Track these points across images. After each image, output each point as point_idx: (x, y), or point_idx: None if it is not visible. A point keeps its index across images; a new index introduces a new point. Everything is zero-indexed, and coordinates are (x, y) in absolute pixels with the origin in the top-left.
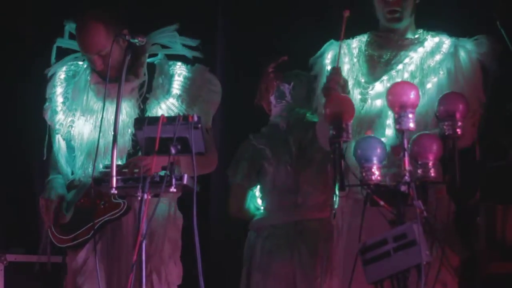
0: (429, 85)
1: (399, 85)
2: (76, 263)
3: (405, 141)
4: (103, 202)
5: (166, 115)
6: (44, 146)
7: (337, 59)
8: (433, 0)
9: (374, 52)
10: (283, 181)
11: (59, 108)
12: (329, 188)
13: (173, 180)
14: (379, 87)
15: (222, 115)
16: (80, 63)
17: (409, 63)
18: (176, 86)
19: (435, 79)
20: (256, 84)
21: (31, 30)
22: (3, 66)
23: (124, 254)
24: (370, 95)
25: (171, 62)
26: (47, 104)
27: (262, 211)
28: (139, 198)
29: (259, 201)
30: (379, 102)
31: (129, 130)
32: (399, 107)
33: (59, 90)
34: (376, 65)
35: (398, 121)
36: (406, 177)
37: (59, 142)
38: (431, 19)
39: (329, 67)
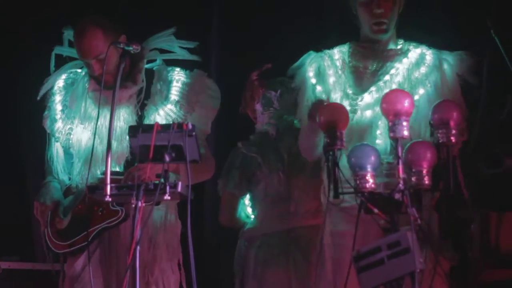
0: (416, 97)
1: (393, 93)
2: (74, 270)
3: (399, 149)
4: (101, 209)
5: (164, 121)
6: (46, 155)
7: (322, 75)
8: (413, 11)
9: (359, 63)
10: (276, 189)
11: (58, 116)
12: (320, 195)
13: (167, 188)
14: (368, 98)
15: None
16: (79, 70)
17: (396, 74)
18: (175, 92)
19: (423, 91)
20: (240, 92)
21: (30, 32)
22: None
23: (122, 261)
24: (359, 106)
25: (169, 68)
26: (46, 112)
27: (252, 220)
28: (133, 205)
29: (249, 210)
30: (369, 113)
31: (127, 137)
32: (393, 115)
33: (58, 98)
34: (363, 76)
35: (392, 129)
36: (400, 185)
37: (57, 150)
38: (408, 29)
39: (313, 80)
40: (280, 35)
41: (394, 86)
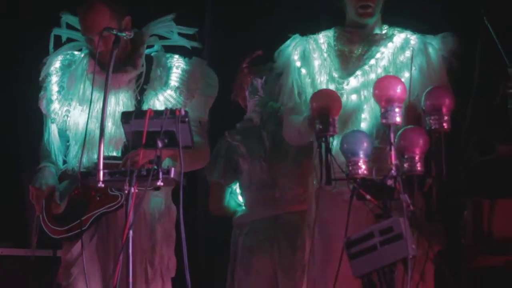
0: (402, 80)
1: (385, 79)
2: (71, 255)
3: (392, 135)
4: (99, 194)
5: (163, 106)
6: (42, 138)
7: (307, 58)
8: None
9: (345, 47)
10: (259, 177)
11: (54, 97)
12: (306, 180)
13: (160, 174)
14: (354, 82)
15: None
16: (77, 53)
17: (381, 58)
18: (174, 78)
19: (407, 75)
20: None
21: (28, 19)
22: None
23: (119, 247)
24: (345, 90)
25: (168, 55)
26: (42, 93)
27: (243, 207)
28: (126, 191)
29: (240, 198)
30: (354, 97)
31: None
32: (385, 101)
33: (54, 79)
34: (348, 60)
35: (384, 115)
36: (393, 171)
37: (53, 131)
38: (394, 15)
39: (298, 63)
40: (272, 21)
41: (379, 70)
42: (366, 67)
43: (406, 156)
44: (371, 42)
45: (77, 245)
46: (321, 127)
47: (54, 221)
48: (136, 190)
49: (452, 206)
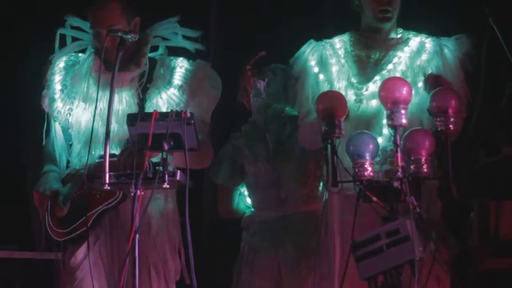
0: (420, 84)
1: (390, 81)
2: (75, 259)
3: (398, 137)
4: (99, 192)
5: (166, 105)
6: (43, 134)
7: (325, 64)
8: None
9: (362, 53)
10: (264, 178)
11: (57, 96)
12: (311, 180)
13: (166, 176)
14: (373, 87)
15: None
16: (81, 55)
17: (399, 63)
18: (178, 77)
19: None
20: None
21: (29, 20)
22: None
23: (124, 244)
24: (365, 96)
25: (172, 57)
26: (45, 91)
27: (252, 209)
28: (132, 194)
29: (248, 200)
30: (374, 102)
31: None
32: (391, 103)
33: (57, 78)
34: (366, 65)
35: (390, 117)
36: (399, 173)
37: (57, 130)
38: (410, 19)
39: (316, 69)
40: (278, 22)
41: (397, 75)
42: (385, 72)
43: (412, 158)
44: (387, 46)
45: (81, 249)
46: (327, 129)
47: (58, 224)
48: (142, 193)
49: (459, 208)
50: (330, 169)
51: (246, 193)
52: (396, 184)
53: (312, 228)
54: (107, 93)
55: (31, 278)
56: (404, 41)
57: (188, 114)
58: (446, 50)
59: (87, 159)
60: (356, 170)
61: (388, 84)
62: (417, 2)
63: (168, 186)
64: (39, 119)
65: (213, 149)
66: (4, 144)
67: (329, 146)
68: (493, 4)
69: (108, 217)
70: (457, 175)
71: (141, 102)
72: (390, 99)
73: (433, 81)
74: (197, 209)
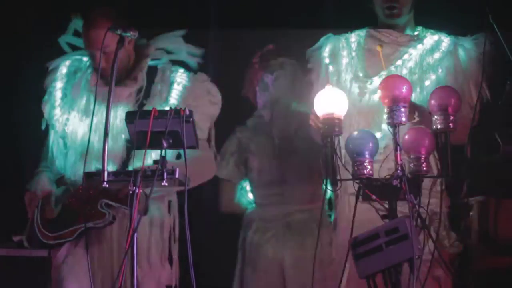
0: (427, 82)
1: (391, 78)
2: (57, 260)
3: (397, 135)
4: (90, 208)
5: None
6: (45, 141)
7: (336, 55)
8: None
9: (373, 47)
10: (268, 174)
11: (57, 103)
12: (315, 178)
13: (165, 174)
14: (378, 82)
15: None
16: (85, 59)
17: (408, 60)
18: (174, 96)
19: (434, 77)
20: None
21: (31, 24)
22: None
23: (108, 251)
24: (368, 89)
25: (173, 68)
26: (46, 97)
27: (253, 205)
28: (131, 192)
29: (250, 195)
30: (376, 97)
31: (123, 136)
32: (391, 101)
33: (59, 84)
34: (375, 59)
35: (390, 115)
36: (399, 171)
37: (54, 137)
38: (430, 16)
39: (327, 60)
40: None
41: (405, 71)
42: (392, 68)
43: (412, 156)
44: (400, 42)
45: (63, 250)
46: (326, 127)
47: (46, 225)
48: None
49: (458, 206)
50: (330, 167)
51: (248, 188)
52: (395, 182)
53: (315, 226)
54: (103, 110)
55: (30, 275)
56: (419, 39)
57: (187, 112)
58: (460, 50)
59: (84, 162)
60: (356, 169)
61: (388, 82)
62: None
63: (166, 184)
64: (38, 120)
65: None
66: (3, 143)
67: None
68: (493, 1)
69: (94, 233)
70: (456, 173)
71: None
72: (390, 97)
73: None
74: (198, 207)
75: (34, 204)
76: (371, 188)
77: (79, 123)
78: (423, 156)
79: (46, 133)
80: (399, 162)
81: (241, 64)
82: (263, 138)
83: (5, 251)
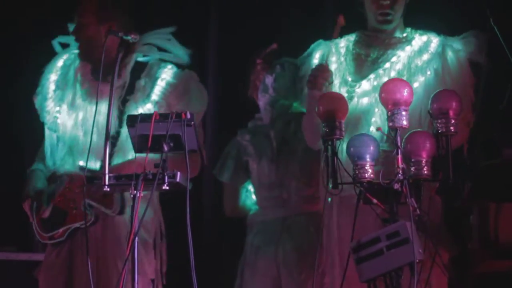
0: (416, 84)
1: (392, 82)
2: (47, 259)
3: (398, 139)
4: (75, 207)
5: None
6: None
7: (324, 60)
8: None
9: (362, 51)
10: (268, 177)
11: (49, 95)
12: (315, 181)
13: (166, 178)
14: (366, 85)
15: (214, 112)
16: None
17: (397, 62)
18: (157, 92)
19: (422, 79)
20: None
21: (29, 25)
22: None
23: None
24: (356, 93)
25: (162, 64)
26: (39, 88)
27: (257, 207)
28: (132, 196)
29: (254, 197)
30: (365, 100)
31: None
32: (392, 105)
33: (53, 77)
34: (363, 63)
35: (391, 118)
36: (400, 175)
37: (47, 130)
38: (421, 17)
39: None
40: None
41: (393, 74)
42: (380, 71)
43: (413, 160)
44: (387, 45)
45: (57, 250)
46: (327, 130)
47: (41, 226)
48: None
49: (458, 210)
50: (330, 171)
51: (252, 190)
52: (396, 186)
53: (314, 229)
54: (93, 105)
55: (31, 279)
56: (408, 41)
57: (189, 116)
58: (449, 51)
59: (86, 161)
60: (356, 172)
61: (389, 86)
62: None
63: (168, 188)
64: (37, 119)
65: (205, 155)
66: (3, 145)
67: (329, 148)
68: (494, 4)
69: (81, 232)
70: (457, 177)
71: (121, 114)
72: (390, 100)
73: None
74: (197, 211)
75: (28, 205)
76: (372, 192)
77: (68, 117)
78: (424, 160)
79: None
80: (400, 166)
81: (244, 64)
82: (262, 141)
83: (5, 255)
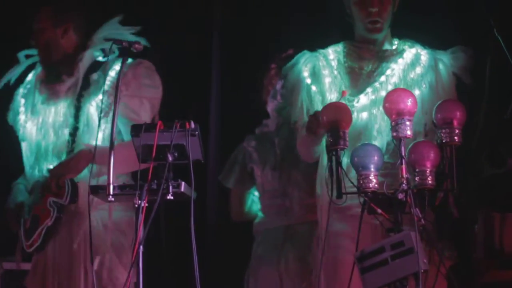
0: None
1: (396, 92)
2: (34, 264)
3: (402, 149)
4: (43, 208)
5: (94, 111)
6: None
7: (318, 75)
8: (412, 9)
9: (354, 64)
10: (271, 185)
11: (20, 109)
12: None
13: (170, 188)
14: (364, 99)
15: (220, 117)
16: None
17: (391, 75)
18: (108, 83)
19: (418, 92)
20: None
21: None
22: None
23: (58, 261)
24: (356, 108)
25: (117, 61)
26: (11, 104)
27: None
28: (136, 205)
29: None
30: (365, 115)
31: (66, 131)
32: (396, 115)
33: (22, 90)
34: (358, 77)
35: (395, 128)
36: (404, 185)
37: (22, 142)
38: (403, 28)
39: (308, 80)
40: (281, 33)
41: (389, 87)
42: (377, 84)
43: (417, 170)
44: (381, 58)
45: (34, 257)
46: (331, 140)
47: (25, 236)
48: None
49: (463, 220)
50: (334, 181)
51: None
52: (401, 196)
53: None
54: (51, 107)
55: None
56: (399, 53)
57: (193, 125)
58: (440, 65)
59: (91, 169)
60: (361, 182)
61: (393, 96)
62: (419, 12)
63: (172, 197)
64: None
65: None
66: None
67: (333, 158)
68: (497, 14)
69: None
70: (461, 187)
71: (77, 111)
72: (394, 110)
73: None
74: (201, 219)
75: (13, 218)
76: (376, 202)
77: (31, 124)
78: (428, 170)
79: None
80: (404, 176)
81: (248, 69)
82: (267, 149)
83: (14, 264)
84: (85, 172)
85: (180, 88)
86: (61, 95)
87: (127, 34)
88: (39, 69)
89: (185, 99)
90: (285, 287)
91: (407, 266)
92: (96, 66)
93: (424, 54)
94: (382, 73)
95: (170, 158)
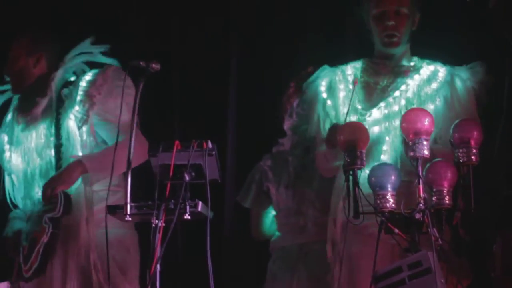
0: None
1: (413, 112)
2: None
3: (420, 168)
4: (38, 228)
5: (73, 123)
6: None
7: (333, 89)
8: (429, 29)
9: (370, 79)
10: (285, 203)
11: (5, 147)
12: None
13: (187, 208)
14: (376, 113)
15: (237, 137)
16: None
17: (406, 90)
18: (80, 92)
19: (432, 107)
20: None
21: None
22: None
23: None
24: (367, 122)
25: (87, 72)
26: None
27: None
28: (153, 225)
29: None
30: (376, 129)
31: (49, 151)
32: (413, 134)
33: (3, 128)
34: (373, 91)
35: (412, 148)
36: (421, 205)
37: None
38: (426, 48)
39: (324, 95)
40: (298, 52)
41: (403, 102)
42: (390, 99)
43: (434, 189)
44: (397, 73)
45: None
46: (348, 160)
47: (23, 261)
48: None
49: (481, 239)
50: (352, 200)
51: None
52: (418, 215)
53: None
54: (31, 132)
55: None
56: (416, 69)
57: (210, 145)
58: (457, 80)
59: (108, 187)
60: (378, 202)
61: (410, 115)
62: (436, 30)
63: (189, 217)
64: None
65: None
66: None
67: (350, 178)
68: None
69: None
70: (479, 206)
71: (58, 129)
72: (412, 130)
73: None
74: (218, 236)
75: (10, 246)
76: (394, 222)
77: (15, 155)
78: (445, 189)
79: None
80: (421, 196)
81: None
82: (282, 167)
83: None
84: (78, 183)
85: (197, 107)
86: (38, 118)
87: (97, 53)
88: (15, 102)
89: (203, 119)
90: None
91: (425, 286)
92: (68, 85)
93: (442, 71)
94: (397, 88)
95: (187, 178)
